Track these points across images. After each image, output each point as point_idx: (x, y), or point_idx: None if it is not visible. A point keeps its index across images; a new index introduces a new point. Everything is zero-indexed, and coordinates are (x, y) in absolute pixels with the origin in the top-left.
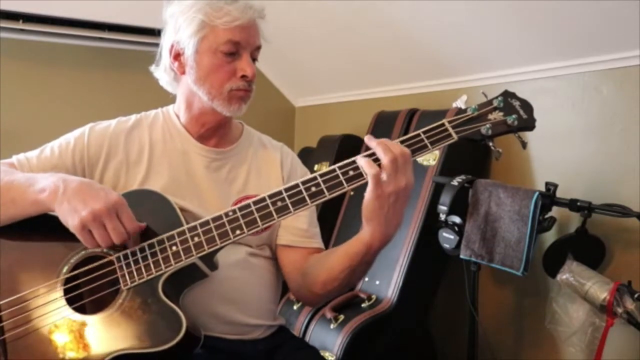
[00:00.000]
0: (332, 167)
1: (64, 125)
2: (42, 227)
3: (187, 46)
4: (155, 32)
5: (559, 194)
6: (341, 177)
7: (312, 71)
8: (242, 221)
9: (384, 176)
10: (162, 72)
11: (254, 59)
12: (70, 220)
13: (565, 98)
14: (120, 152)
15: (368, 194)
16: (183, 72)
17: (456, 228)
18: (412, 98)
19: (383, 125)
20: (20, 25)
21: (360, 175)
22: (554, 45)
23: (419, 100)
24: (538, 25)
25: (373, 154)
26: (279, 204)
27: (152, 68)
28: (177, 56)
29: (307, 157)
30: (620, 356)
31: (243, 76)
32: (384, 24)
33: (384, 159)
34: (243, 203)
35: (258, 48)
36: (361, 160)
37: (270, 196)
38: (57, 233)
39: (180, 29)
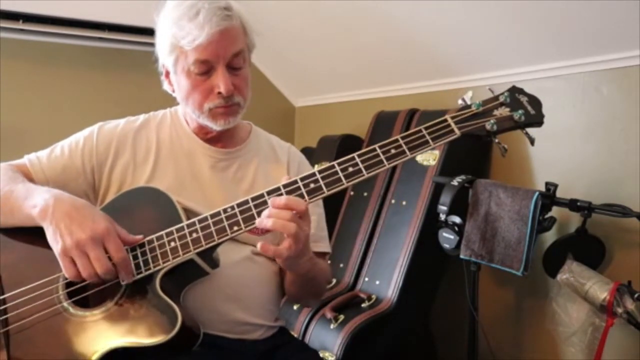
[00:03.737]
0: (331, 163)
1: (64, 125)
2: None
3: (169, 67)
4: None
5: (559, 194)
6: (340, 174)
7: (312, 71)
8: (239, 217)
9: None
10: (166, 86)
11: (235, 68)
12: (54, 245)
13: (565, 98)
14: (127, 152)
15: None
16: (173, 91)
17: (456, 228)
18: (412, 98)
19: (383, 125)
20: (20, 25)
21: (359, 171)
22: (554, 45)
23: (419, 100)
24: (538, 25)
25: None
26: None
27: (162, 79)
28: (167, 75)
29: (307, 157)
30: (620, 356)
31: (219, 93)
32: (384, 24)
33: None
34: (242, 199)
35: (237, 55)
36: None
37: (269, 192)
38: None
39: (161, 49)
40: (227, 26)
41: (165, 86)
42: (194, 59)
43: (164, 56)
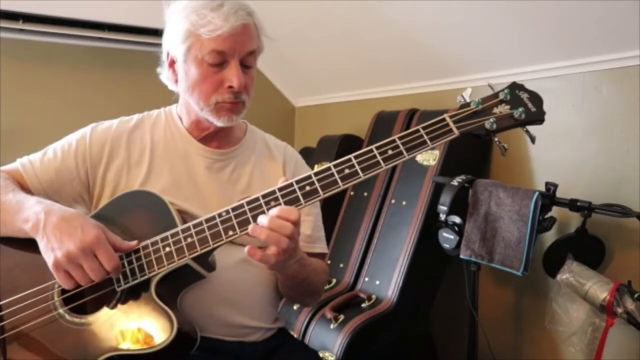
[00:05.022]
0: (327, 165)
1: (63, 125)
2: None
3: (177, 55)
4: (156, 33)
5: (559, 194)
6: (336, 176)
7: (312, 71)
8: (234, 221)
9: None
10: (165, 76)
11: (247, 66)
12: (47, 259)
13: (565, 98)
14: (121, 153)
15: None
16: (176, 81)
17: (456, 228)
18: (412, 98)
19: (383, 125)
20: (20, 25)
21: (356, 173)
22: (554, 45)
23: (419, 100)
24: (538, 25)
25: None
26: (272, 203)
27: (158, 70)
28: (171, 64)
29: (307, 157)
30: (620, 356)
31: (230, 87)
32: (384, 24)
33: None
34: (237, 203)
35: (251, 53)
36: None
37: (264, 196)
38: None
39: (172, 36)
40: (250, 22)
41: (165, 76)
42: (211, 49)
43: (175, 43)
